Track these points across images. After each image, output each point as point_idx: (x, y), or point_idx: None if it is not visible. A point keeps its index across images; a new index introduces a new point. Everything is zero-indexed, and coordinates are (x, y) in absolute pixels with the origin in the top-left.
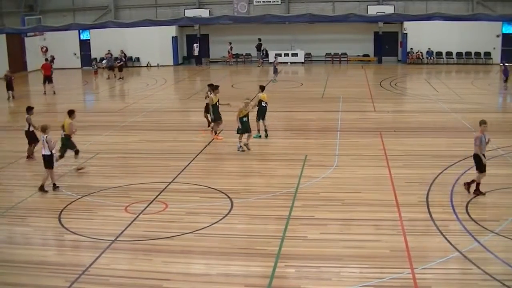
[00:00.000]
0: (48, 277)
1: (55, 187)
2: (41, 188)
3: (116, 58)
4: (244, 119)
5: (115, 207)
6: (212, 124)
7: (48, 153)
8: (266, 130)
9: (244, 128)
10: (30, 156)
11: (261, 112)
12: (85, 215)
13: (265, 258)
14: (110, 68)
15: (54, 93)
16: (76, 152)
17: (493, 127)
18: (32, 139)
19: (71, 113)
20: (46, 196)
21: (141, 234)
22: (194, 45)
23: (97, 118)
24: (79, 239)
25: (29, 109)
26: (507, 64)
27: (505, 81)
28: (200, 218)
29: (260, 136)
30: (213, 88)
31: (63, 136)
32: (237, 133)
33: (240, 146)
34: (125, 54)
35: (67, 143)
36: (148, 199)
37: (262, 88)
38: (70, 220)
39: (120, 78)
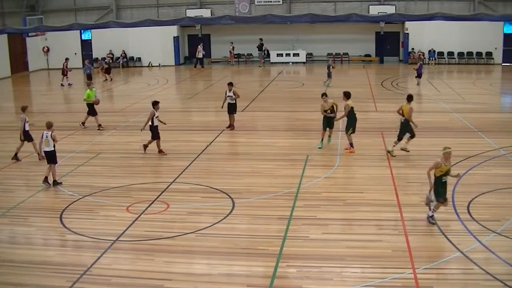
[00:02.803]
0: (50, 277)
1: (56, 183)
2: (48, 180)
3: (103, 59)
4: (444, 178)
5: (116, 207)
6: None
7: (52, 149)
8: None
9: (443, 192)
10: (161, 150)
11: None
12: (87, 215)
13: (267, 258)
14: (89, 77)
15: None
16: (412, 136)
17: (495, 127)
18: (156, 134)
19: (410, 98)
20: (48, 196)
21: (143, 234)
22: (200, 46)
23: (99, 118)
24: (80, 239)
25: (155, 104)
26: (421, 63)
27: (417, 77)
28: (202, 218)
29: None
30: (347, 95)
31: (402, 120)
32: (437, 200)
33: (432, 216)
34: (125, 54)
35: (406, 127)
36: (149, 199)
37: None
38: (72, 220)
39: (105, 80)
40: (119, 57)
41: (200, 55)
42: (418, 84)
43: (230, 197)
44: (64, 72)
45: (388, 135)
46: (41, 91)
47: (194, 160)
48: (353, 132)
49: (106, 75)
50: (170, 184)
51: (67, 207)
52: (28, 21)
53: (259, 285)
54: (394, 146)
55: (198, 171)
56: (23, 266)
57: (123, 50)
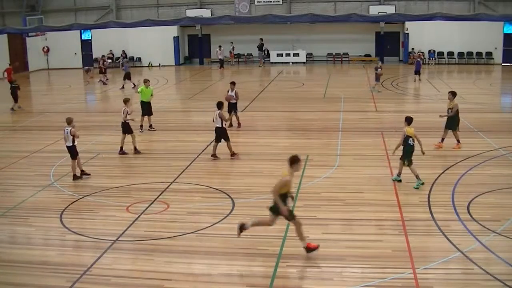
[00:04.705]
0: (50, 277)
1: (83, 173)
2: (75, 177)
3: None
4: None
5: (116, 207)
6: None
7: (70, 144)
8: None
9: None
10: (214, 155)
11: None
12: (87, 215)
13: (266, 258)
14: (127, 76)
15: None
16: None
17: (495, 127)
18: (224, 136)
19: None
20: (48, 196)
21: (143, 234)
22: (218, 50)
23: (99, 118)
24: (80, 239)
25: (220, 105)
26: (419, 60)
27: (416, 73)
28: (202, 218)
29: (400, 180)
30: (454, 94)
31: None
32: None
33: None
34: (125, 54)
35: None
36: (149, 199)
37: (409, 121)
38: (72, 220)
39: (86, 81)
40: (119, 57)
41: (221, 56)
42: (415, 80)
43: (230, 197)
44: (102, 69)
45: (388, 135)
46: (41, 91)
47: (194, 160)
48: (456, 130)
49: (102, 75)
50: (170, 184)
51: (67, 207)
52: (28, 21)
53: (259, 285)
54: None
55: (198, 171)
56: (23, 266)
57: (123, 50)
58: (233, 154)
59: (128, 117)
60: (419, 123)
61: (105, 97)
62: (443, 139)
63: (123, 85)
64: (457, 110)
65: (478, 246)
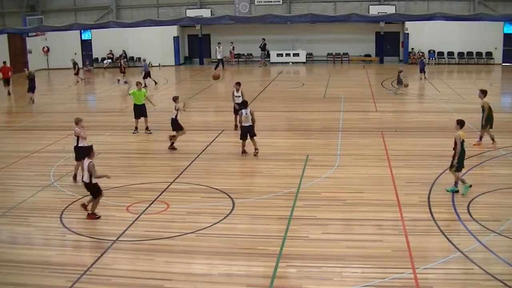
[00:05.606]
0: (50, 277)
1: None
2: (74, 177)
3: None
4: None
5: (116, 207)
6: None
7: (74, 144)
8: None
9: None
10: (244, 151)
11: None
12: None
13: (266, 258)
14: (147, 75)
15: (9, 93)
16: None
17: (495, 127)
18: (252, 133)
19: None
20: (48, 196)
21: (143, 234)
22: (219, 47)
23: (99, 118)
24: (80, 239)
25: (246, 104)
26: (423, 59)
27: (421, 72)
28: (202, 218)
29: (457, 191)
30: (484, 92)
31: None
32: None
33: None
34: (126, 54)
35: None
36: (149, 199)
37: (462, 124)
38: (72, 220)
39: (87, 81)
40: (119, 57)
41: (220, 56)
42: (421, 79)
43: (230, 197)
44: (122, 69)
45: (388, 135)
46: (41, 91)
47: (194, 160)
48: (491, 127)
49: (77, 76)
50: (170, 184)
51: (67, 207)
52: (28, 21)
53: (259, 285)
54: None
55: (198, 171)
56: (23, 266)
57: (123, 50)
58: (256, 150)
59: (179, 114)
60: (420, 122)
61: (104, 97)
62: (492, 138)
63: (155, 82)
64: (488, 108)
65: (478, 246)
